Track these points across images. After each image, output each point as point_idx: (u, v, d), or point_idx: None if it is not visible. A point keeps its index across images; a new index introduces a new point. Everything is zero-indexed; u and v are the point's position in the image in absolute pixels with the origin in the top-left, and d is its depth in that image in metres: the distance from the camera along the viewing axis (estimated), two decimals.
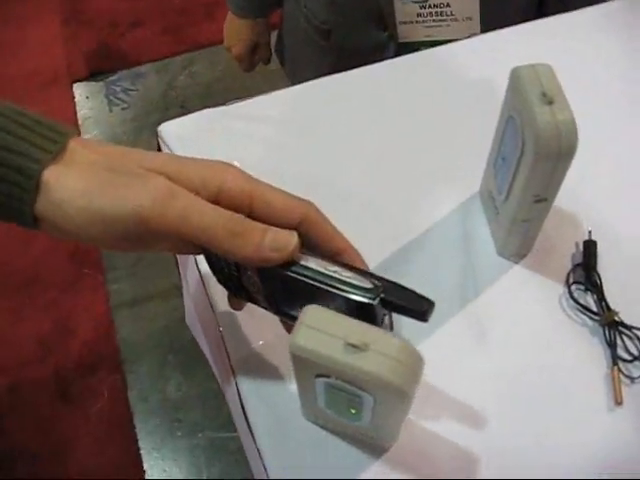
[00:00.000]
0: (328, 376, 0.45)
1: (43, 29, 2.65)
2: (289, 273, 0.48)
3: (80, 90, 2.50)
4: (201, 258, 0.68)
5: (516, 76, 0.57)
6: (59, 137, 0.47)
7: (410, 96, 0.83)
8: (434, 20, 1.05)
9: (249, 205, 0.49)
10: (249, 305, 0.59)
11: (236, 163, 0.50)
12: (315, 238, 0.51)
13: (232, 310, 0.61)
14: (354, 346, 0.42)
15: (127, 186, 0.46)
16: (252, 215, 0.49)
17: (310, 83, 0.84)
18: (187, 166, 0.49)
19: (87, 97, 2.47)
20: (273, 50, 1.41)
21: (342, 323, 0.44)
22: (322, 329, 0.43)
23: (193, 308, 0.84)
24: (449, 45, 0.87)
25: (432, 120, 0.80)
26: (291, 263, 0.48)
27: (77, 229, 0.46)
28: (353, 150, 0.78)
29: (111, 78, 2.54)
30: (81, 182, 0.46)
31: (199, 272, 0.69)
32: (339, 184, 0.74)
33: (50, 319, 1.99)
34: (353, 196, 0.74)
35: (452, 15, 1.05)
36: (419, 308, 0.46)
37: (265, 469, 0.57)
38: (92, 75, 2.53)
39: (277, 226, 0.48)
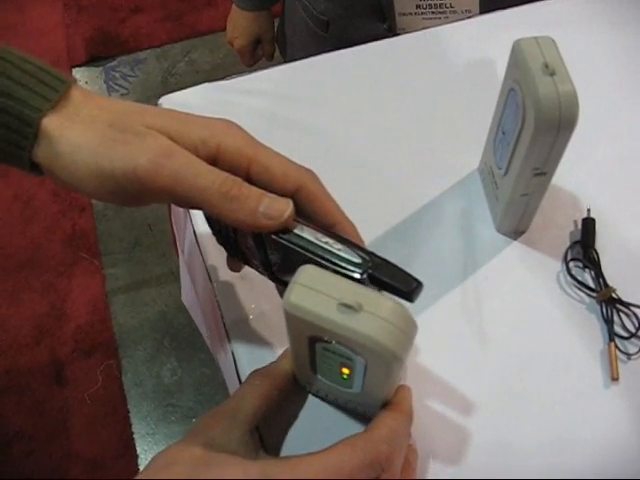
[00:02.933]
0: (321, 337, 0.45)
1: (44, 14, 2.64)
2: (281, 241, 0.48)
3: (79, 75, 2.49)
4: (198, 229, 0.69)
5: (518, 48, 0.57)
6: (60, 85, 0.47)
7: (408, 74, 0.82)
8: (433, 12, 1.05)
9: (247, 168, 0.49)
10: (244, 272, 0.59)
11: None
12: (311, 207, 0.50)
13: (228, 278, 0.61)
14: (348, 306, 0.41)
15: (126, 143, 0.46)
16: (249, 178, 0.49)
17: (310, 59, 0.83)
18: (188, 124, 0.48)
19: (86, 82, 2.47)
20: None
21: (337, 283, 0.43)
22: (316, 288, 0.43)
23: (189, 280, 0.84)
24: (449, 25, 0.87)
25: (430, 98, 0.80)
26: (284, 231, 0.48)
27: (74, 181, 0.47)
28: (351, 126, 0.78)
29: (111, 64, 2.53)
30: (82, 137, 0.46)
31: (196, 241, 0.69)
32: (336, 160, 0.74)
33: (46, 302, 1.99)
34: (349, 172, 0.73)
35: (451, 7, 1.05)
36: (406, 288, 0.46)
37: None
38: (91, 60, 2.53)
39: (274, 191, 0.48)
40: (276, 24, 1.39)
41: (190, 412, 1.81)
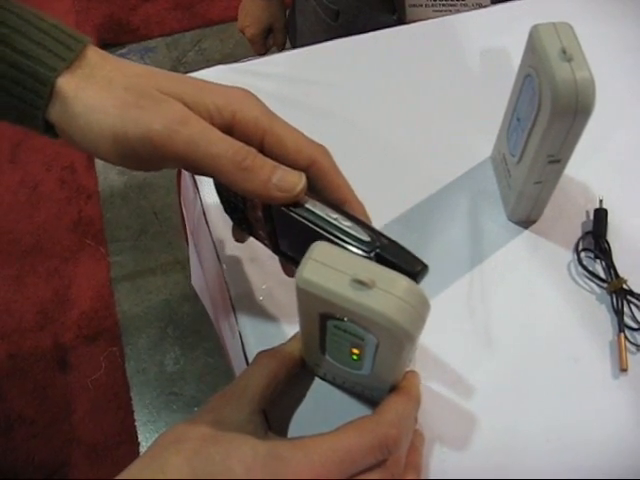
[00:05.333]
0: (333, 315, 0.44)
1: (55, 0, 2.64)
2: (292, 214, 0.48)
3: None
4: (206, 202, 0.68)
5: (536, 33, 0.56)
6: (75, 44, 0.47)
7: (421, 62, 0.82)
8: (444, 4, 1.05)
9: (261, 138, 0.48)
10: (254, 254, 0.59)
11: None
12: (322, 183, 0.50)
13: (237, 258, 0.61)
14: (361, 282, 0.41)
15: (141, 108, 0.45)
16: (263, 149, 0.48)
17: (322, 44, 0.83)
18: (203, 91, 0.48)
19: None
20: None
21: (350, 260, 0.43)
22: (330, 264, 0.42)
23: (197, 262, 0.84)
24: (462, 14, 0.86)
25: (443, 86, 0.80)
26: (295, 204, 0.48)
27: (88, 142, 0.47)
28: (363, 112, 0.78)
29: (120, 51, 2.53)
30: (97, 99, 0.45)
31: (205, 220, 0.69)
32: (347, 145, 0.73)
33: (51, 288, 1.99)
34: (360, 157, 0.73)
35: (463, 1, 1.04)
36: (412, 269, 0.46)
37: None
38: (101, 48, 2.48)
39: (286, 165, 0.48)
40: (287, 13, 1.38)
41: (192, 401, 1.81)
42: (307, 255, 0.43)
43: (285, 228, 0.51)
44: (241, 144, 0.46)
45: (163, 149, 0.45)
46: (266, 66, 0.81)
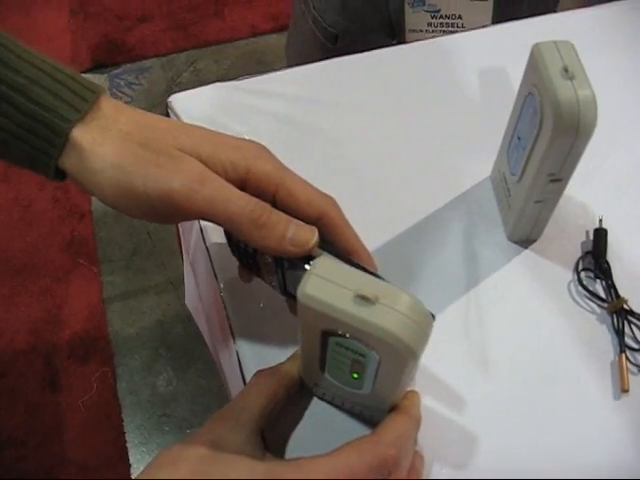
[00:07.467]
0: (335, 331, 0.44)
1: (50, 19, 2.65)
2: (304, 265, 0.49)
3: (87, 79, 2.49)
4: (205, 229, 0.68)
5: (537, 51, 0.56)
6: (90, 95, 0.48)
7: (421, 81, 0.82)
8: (444, 31, 1.05)
9: (274, 192, 0.50)
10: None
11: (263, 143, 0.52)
12: (332, 234, 0.52)
13: (234, 277, 0.61)
14: (364, 298, 0.41)
15: (160, 166, 0.47)
16: (275, 202, 0.50)
17: (322, 63, 0.83)
18: (218, 147, 0.50)
19: None
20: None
21: (353, 275, 0.43)
22: (332, 280, 0.42)
23: (193, 281, 0.83)
24: (461, 34, 0.87)
25: (443, 105, 0.80)
26: (307, 256, 0.49)
27: (105, 197, 0.49)
28: (361, 130, 0.77)
29: (115, 71, 2.53)
30: (115, 156, 0.47)
31: (203, 238, 0.68)
32: (344, 164, 0.74)
33: (42, 308, 1.98)
34: (360, 176, 0.73)
35: (463, 27, 1.04)
36: None
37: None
38: (96, 67, 2.53)
39: (297, 216, 0.50)
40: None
41: (184, 423, 1.79)
42: (310, 270, 0.43)
43: (294, 274, 0.52)
44: (257, 201, 0.48)
45: (182, 207, 0.47)
46: (263, 84, 0.81)
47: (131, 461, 1.73)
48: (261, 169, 0.50)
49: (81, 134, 0.47)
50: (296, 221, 0.49)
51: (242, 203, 0.47)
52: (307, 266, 0.49)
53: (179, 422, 1.80)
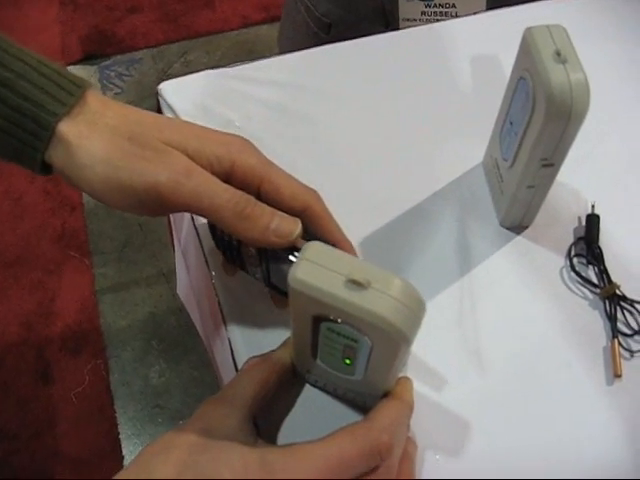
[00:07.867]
0: (326, 316, 0.43)
1: (40, 11, 2.63)
2: (288, 256, 0.50)
3: (74, 73, 2.47)
4: (196, 216, 0.68)
5: (529, 35, 0.56)
6: (76, 90, 0.49)
7: (413, 67, 0.82)
8: (437, 20, 1.04)
9: (258, 185, 0.52)
10: None
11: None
12: (315, 227, 0.53)
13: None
14: (356, 283, 0.40)
15: (146, 160, 0.48)
16: (260, 195, 0.52)
17: (313, 50, 0.83)
18: (203, 141, 0.51)
19: None
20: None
21: (345, 260, 0.42)
22: (324, 264, 0.42)
23: (185, 270, 0.83)
24: (455, 20, 0.86)
25: (435, 92, 0.80)
26: (291, 247, 0.50)
27: (93, 191, 0.49)
28: (353, 117, 0.77)
29: (105, 62, 2.52)
30: (102, 150, 0.48)
31: (194, 226, 0.68)
32: (335, 150, 0.73)
33: (34, 300, 1.97)
34: (352, 162, 0.73)
35: (457, 16, 1.04)
36: None
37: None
38: (87, 59, 2.52)
39: (281, 209, 0.51)
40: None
41: (177, 414, 1.79)
42: (301, 255, 0.42)
43: (278, 266, 0.53)
44: (241, 193, 0.50)
45: (168, 200, 0.48)
46: (254, 72, 0.80)
47: (124, 453, 1.74)
48: (246, 163, 0.51)
49: (68, 128, 0.48)
50: (280, 213, 0.50)
51: (227, 196, 0.49)
52: (291, 257, 0.50)
53: (172, 414, 1.80)
